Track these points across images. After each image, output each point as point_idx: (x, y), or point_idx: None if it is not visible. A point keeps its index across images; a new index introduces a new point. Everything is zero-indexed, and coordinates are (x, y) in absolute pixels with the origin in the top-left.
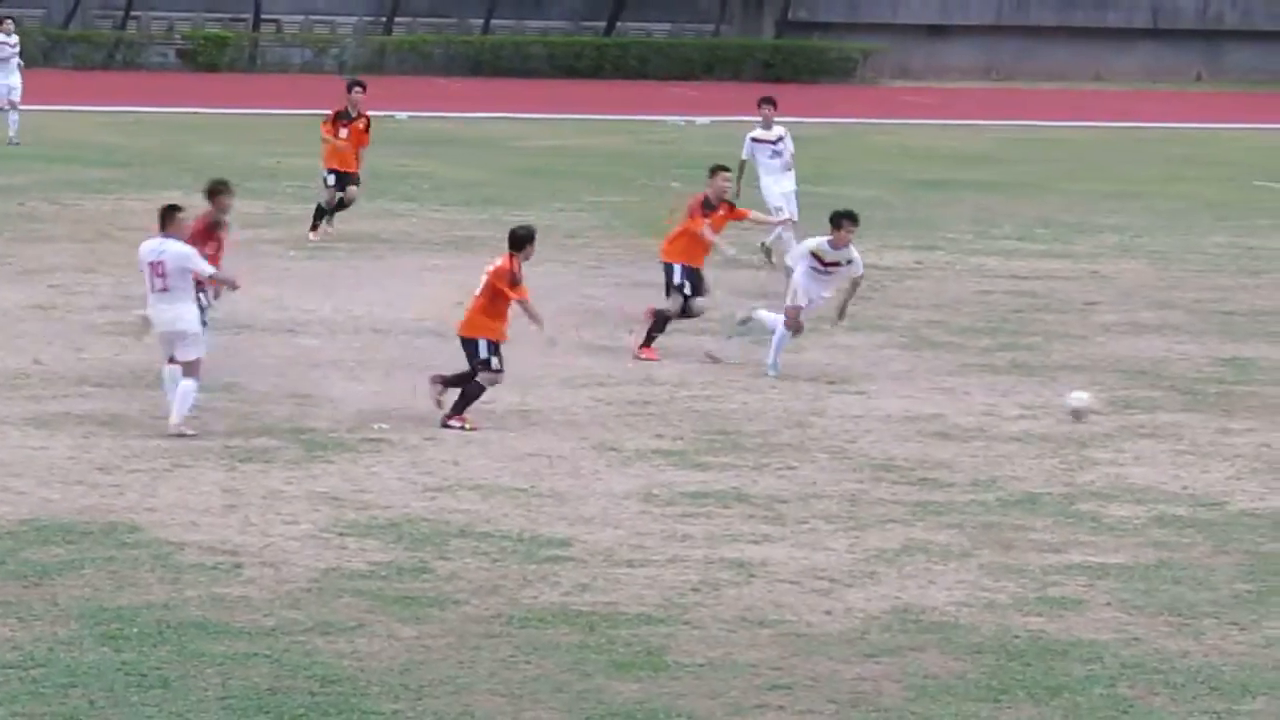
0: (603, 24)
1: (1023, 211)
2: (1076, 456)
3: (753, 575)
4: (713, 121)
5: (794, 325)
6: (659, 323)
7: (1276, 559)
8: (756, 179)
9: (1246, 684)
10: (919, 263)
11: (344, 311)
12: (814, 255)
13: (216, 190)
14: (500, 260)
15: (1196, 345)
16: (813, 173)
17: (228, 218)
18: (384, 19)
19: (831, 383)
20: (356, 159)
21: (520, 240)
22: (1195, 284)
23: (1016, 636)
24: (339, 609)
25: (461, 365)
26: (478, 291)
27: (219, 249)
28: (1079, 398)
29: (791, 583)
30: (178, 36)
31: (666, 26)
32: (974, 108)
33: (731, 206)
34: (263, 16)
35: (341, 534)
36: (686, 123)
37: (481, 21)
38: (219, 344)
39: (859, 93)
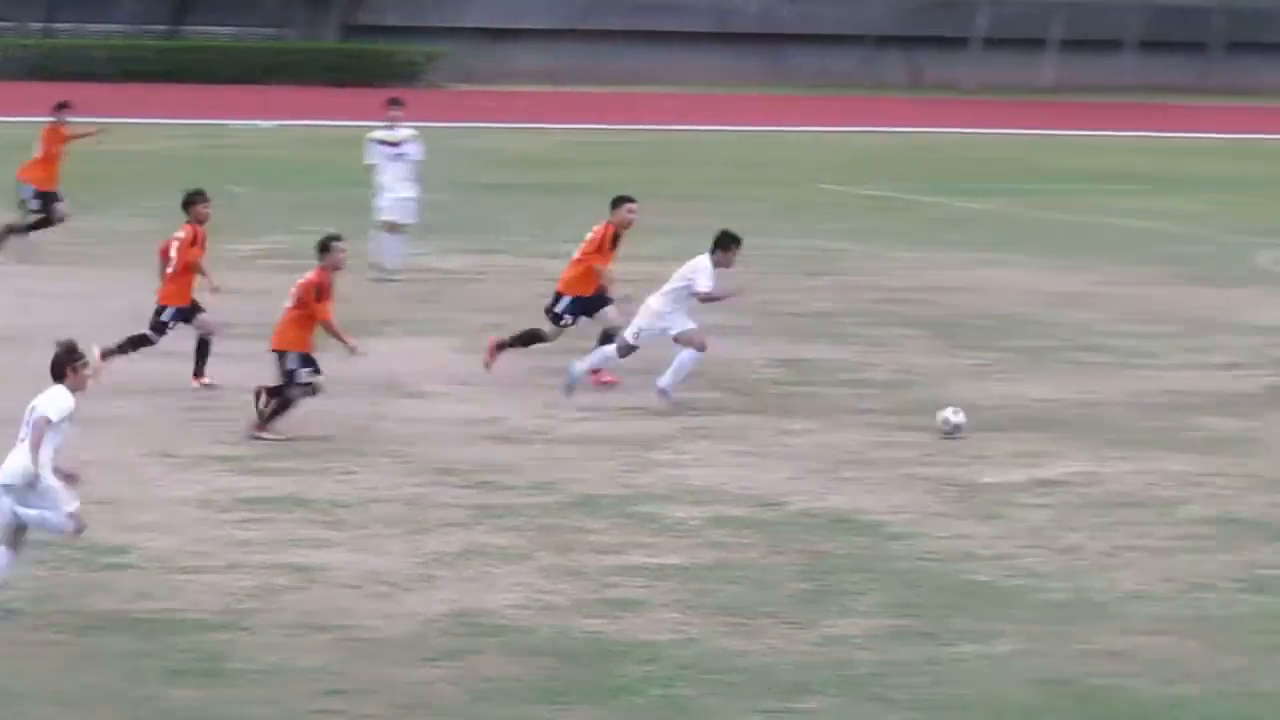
0: (165, 27)
1: (587, 215)
2: (636, 458)
3: (312, 580)
4: (277, 125)
5: (626, 350)
6: (524, 338)
7: (833, 558)
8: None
9: (803, 683)
10: (482, 267)
11: None
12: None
13: (193, 200)
14: (310, 274)
15: (758, 347)
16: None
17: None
18: None
19: (392, 387)
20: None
21: (320, 249)
22: (758, 286)
23: (574, 638)
24: None
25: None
26: (289, 304)
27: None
28: (952, 415)
29: (351, 587)
30: None
31: (230, 30)
32: (539, 111)
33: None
34: None
35: None
36: (251, 126)
37: (41, 24)
38: None
39: (423, 96)
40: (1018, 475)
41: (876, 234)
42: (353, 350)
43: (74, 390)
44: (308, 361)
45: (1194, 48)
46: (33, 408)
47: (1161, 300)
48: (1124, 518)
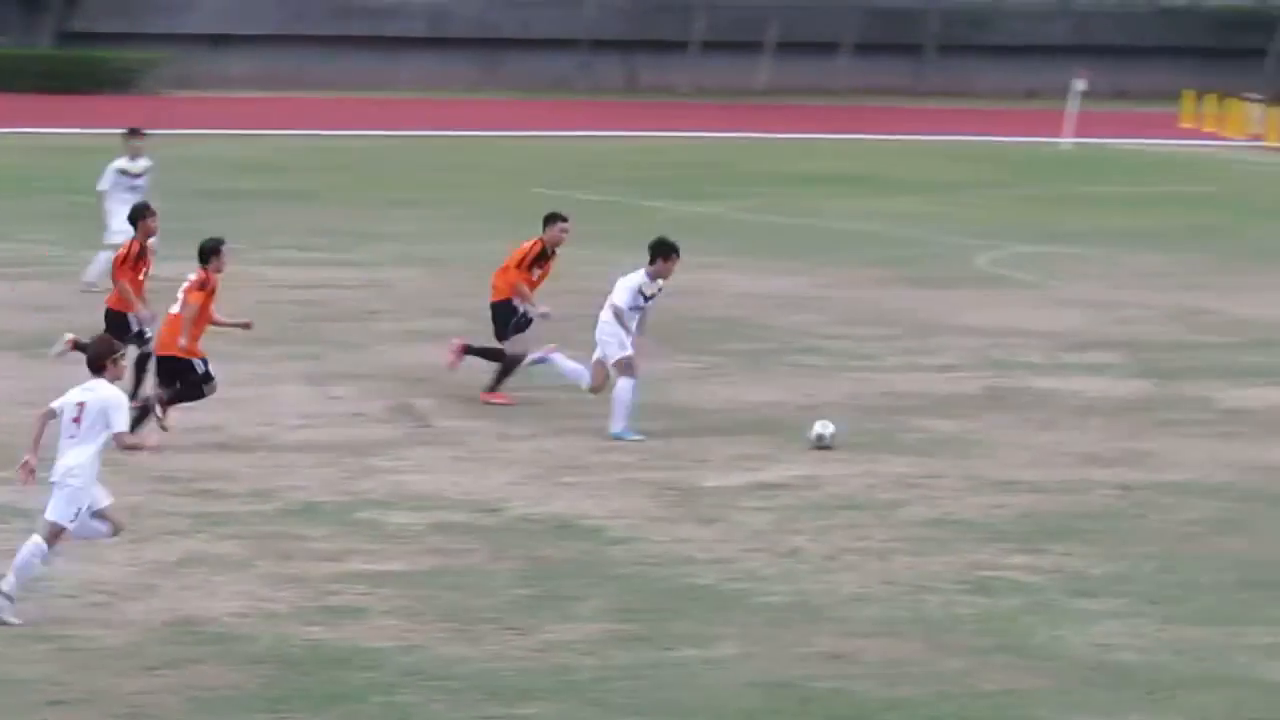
0: None
1: (304, 221)
2: (356, 465)
3: (31, 590)
4: None
5: (601, 384)
6: (508, 366)
7: (554, 564)
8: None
9: (525, 688)
10: None
11: None
12: (640, 292)
13: (142, 214)
14: (195, 274)
15: None
16: (88, 184)
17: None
18: None
19: None
20: None
21: (206, 252)
22: (474, 290)
23: (295, 646)
24: None
25: None
26: (176, 309)
27: (145, 272)
28: (824, 429)
29: (70, 597)
30: None
31: None
32: (256, 117)
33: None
34: None
35: None
36: None
37: None
38: None
39: (140, 103)
40: (738, 479)
41: (594, 239)
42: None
43: (113, 381)
44: (206, 364)
45: (909, 50)
46: (81, 404)
47: (880, 302)
48: (844, 520)
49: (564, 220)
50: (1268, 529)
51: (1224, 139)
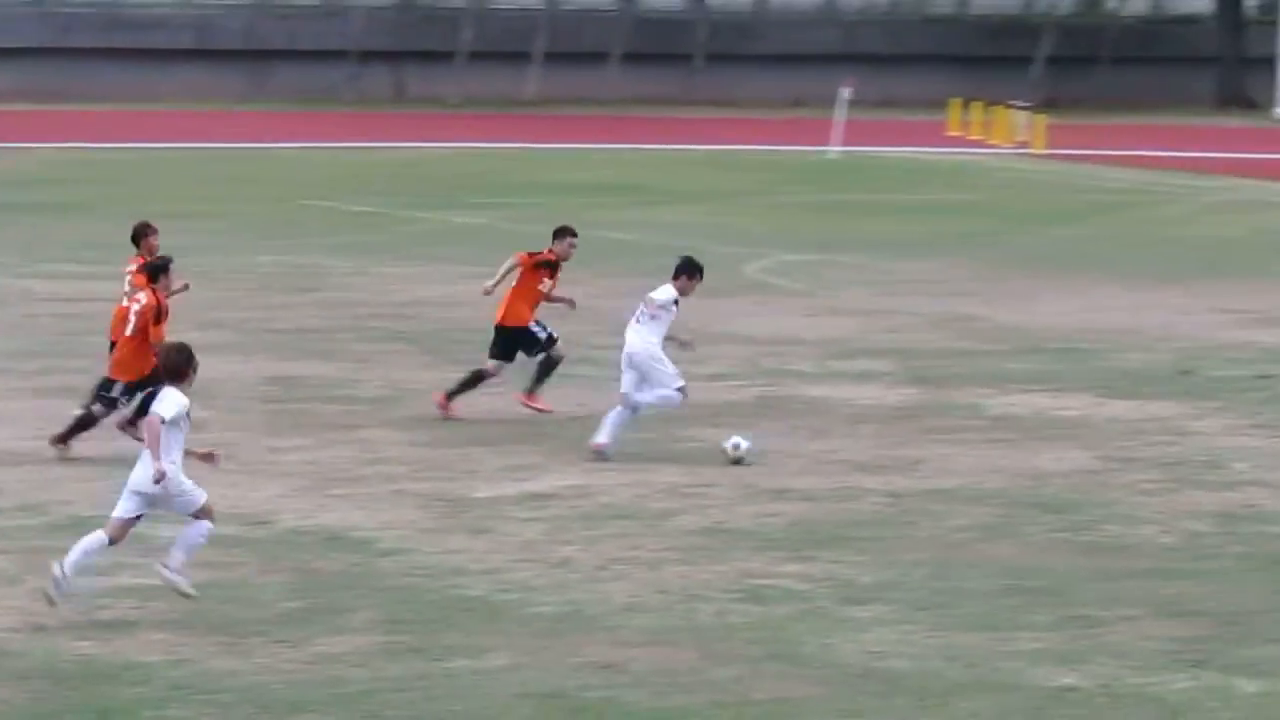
0: None
1: (71, 234)
2: (125, 479)
3: None
4: None
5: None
6: (544, 371)
7: (324, 576)
8: None
9: (295, 701)
10: None
11: None
12: (675, 302)
13: (144, 232)
14: (146, 296)
15: (245, 364)
16: None
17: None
18: None
19: None
20: None
21: (155, 270)
22: (244, 303)
23: (65, 661)
24: None
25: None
26: (129, 331)
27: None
28: (737, 444)
29: None
30: None
31: None
32: (20, 130)
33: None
34: None
35: None
36: None
37: None
38: None
39: None
40: (508, 489)
41: (363, 249)
42: None
43: (185, 391)
44: (131, 391)
45: (677, 59)
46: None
47: None
48: (615, 530)
49: (574, 235)
50: (1035, 535)
51: (990, 146)
